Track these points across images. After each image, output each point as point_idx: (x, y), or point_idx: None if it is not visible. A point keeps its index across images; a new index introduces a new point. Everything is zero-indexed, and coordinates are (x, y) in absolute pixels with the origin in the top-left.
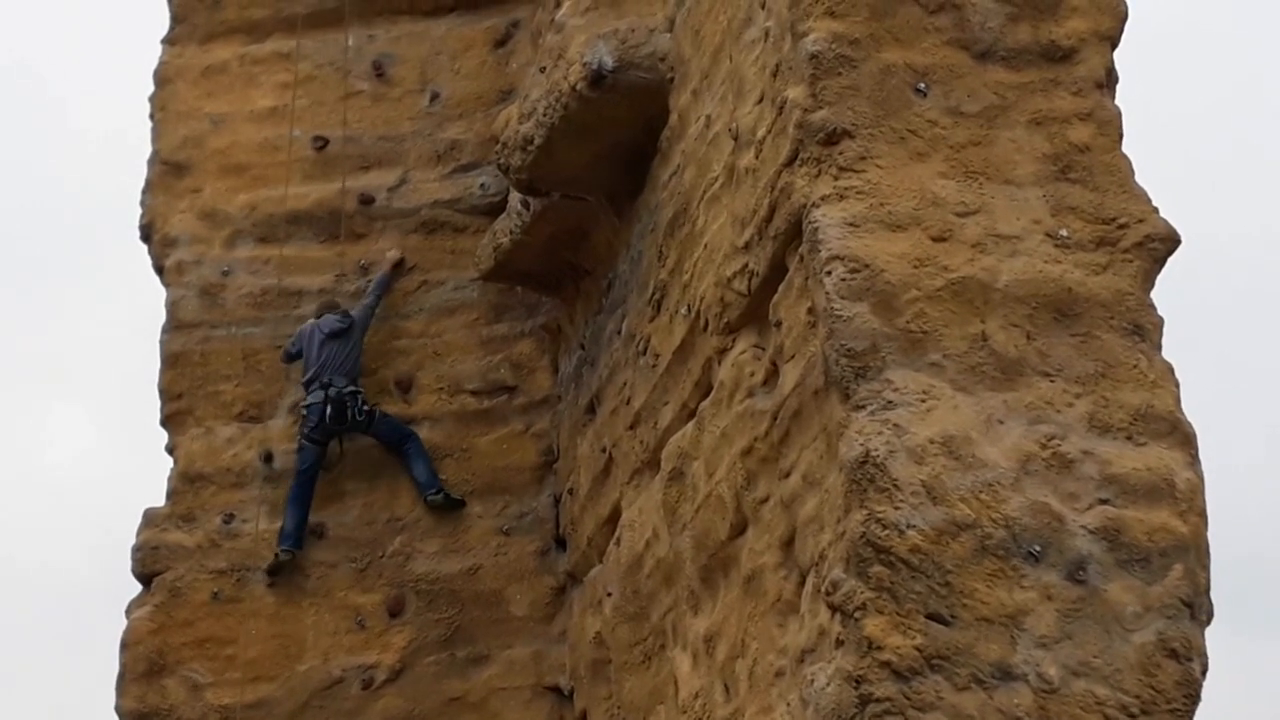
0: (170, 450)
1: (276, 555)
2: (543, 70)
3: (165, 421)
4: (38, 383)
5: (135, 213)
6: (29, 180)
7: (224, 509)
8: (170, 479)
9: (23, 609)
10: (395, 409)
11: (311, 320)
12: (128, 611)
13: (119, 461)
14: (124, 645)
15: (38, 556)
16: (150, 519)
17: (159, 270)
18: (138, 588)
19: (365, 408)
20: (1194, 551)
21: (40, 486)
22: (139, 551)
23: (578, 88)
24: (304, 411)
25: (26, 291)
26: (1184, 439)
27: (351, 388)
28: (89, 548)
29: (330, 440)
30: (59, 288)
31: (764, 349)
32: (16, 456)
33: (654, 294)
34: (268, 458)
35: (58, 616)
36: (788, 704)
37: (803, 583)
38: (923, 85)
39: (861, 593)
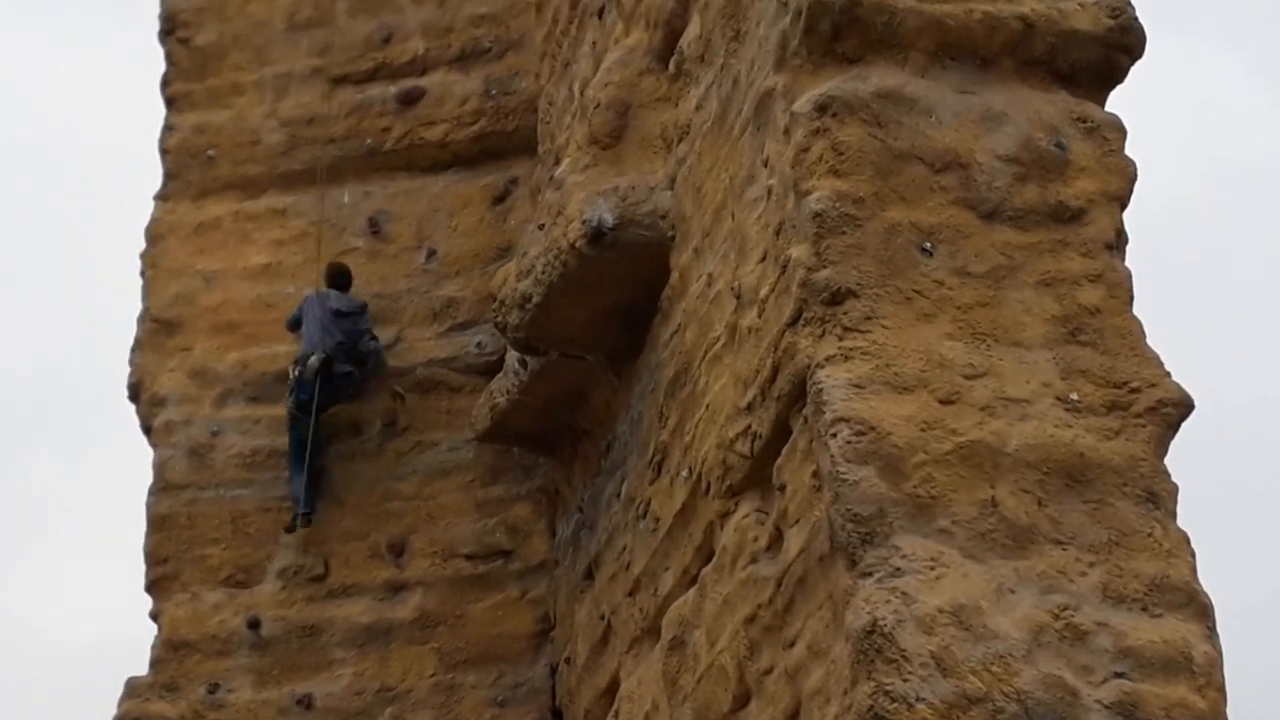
0: (154, 617)
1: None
2: (541, 227)
3: (150, 587)
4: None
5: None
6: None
7: (209, 679)
8: (154, 647)
9: None
10: (386, 574)
11: (312, 291)
12: None
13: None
14: None
15: None
16: (132, 689)
17: (147, 430)
18: None
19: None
20: None
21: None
22: None
23: (577, 245)
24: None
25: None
26: (1201, 610)
27: (348, 368)
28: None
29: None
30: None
31: (767, 513)
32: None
33: (654, 456)
34: (255, 624)
35: None
36: None
37: None
38: (929, 245)
39: None
